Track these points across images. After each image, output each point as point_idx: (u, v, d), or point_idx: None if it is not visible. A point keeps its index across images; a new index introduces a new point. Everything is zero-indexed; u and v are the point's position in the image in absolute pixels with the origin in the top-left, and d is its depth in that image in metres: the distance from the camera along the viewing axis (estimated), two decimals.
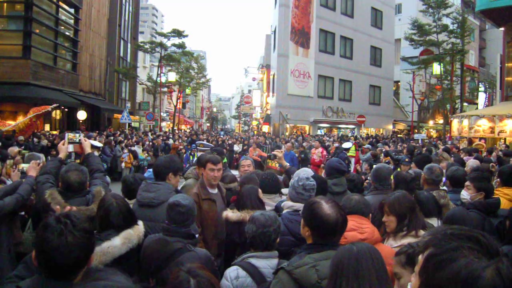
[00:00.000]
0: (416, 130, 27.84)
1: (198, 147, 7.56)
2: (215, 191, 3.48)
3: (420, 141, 19.84)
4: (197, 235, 2.46)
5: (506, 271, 0.92)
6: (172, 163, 3.29)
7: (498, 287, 0.90)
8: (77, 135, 3.57)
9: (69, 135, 3.51)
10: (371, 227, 2.23)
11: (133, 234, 2.43)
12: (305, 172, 3.67)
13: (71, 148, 3.44)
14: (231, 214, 2.99)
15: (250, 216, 2.34)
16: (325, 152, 11.69)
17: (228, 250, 3.21)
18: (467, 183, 3.49)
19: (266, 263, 2.15)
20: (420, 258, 1.04)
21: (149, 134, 20.65)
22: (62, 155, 3.41)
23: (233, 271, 2.13)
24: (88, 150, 3.43)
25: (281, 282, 1.77)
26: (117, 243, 2.35)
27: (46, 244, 1.49)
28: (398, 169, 6.31)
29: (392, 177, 3.87)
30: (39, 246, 1.53)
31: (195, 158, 6.97)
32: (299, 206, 2.65)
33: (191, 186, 3.88)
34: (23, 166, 4.07)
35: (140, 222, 2.59)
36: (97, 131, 18.90)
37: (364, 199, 2.42)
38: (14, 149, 5.65)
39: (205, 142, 9.02)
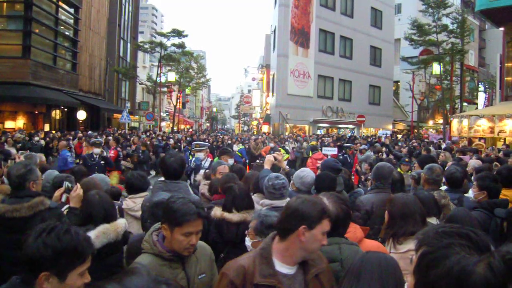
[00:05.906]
0: (416, 130, 27.87)
1: (195, 148, 7.38)
2: (293, 269, 1.71)
3: (383, 138, 19.53)
4: None
5: (497, 265, 0.94)
6: (184, 162, 3.41)
7: (490, 281, 0.92)
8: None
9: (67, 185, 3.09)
10: (352, 230, 2.36)
11: (109, 228, 2.44)
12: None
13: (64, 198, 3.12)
14: (230, 215, 2.83)
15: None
16: None
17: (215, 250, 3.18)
18: (474, 182, 3.54)
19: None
20: (414, 257, 1.07)
21: (148, 134, 20.65)
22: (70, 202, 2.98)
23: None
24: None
25: None
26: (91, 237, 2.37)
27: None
28: (398, 169, 6.31)
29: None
30: None
31: (193, 159, 6.82)
32: (279, 203, 2.92)
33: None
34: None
35: (122, 220, 2.61)
36: (97, 131, 18.89)
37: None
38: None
39: (201, 142, 8.81)
